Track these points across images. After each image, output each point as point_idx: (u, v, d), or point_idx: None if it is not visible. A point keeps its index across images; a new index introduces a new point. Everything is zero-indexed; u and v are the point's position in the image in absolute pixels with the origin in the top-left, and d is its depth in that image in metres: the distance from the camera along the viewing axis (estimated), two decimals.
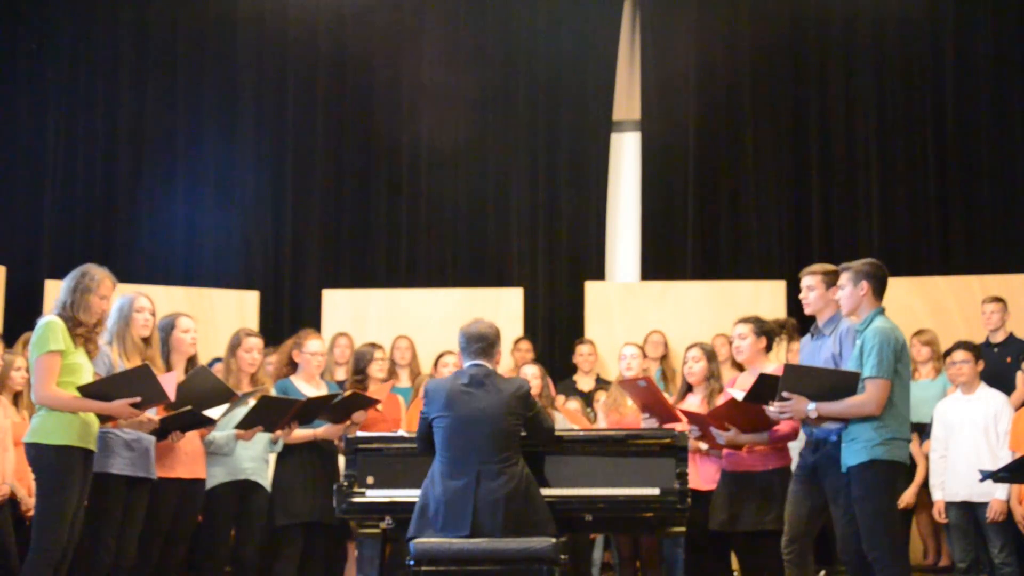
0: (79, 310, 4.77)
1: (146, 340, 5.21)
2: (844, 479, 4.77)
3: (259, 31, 9.84)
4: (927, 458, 6.51)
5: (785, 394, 4.78)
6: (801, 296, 5.20)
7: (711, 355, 5.83)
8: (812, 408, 4.73)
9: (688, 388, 5.84)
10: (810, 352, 5.14)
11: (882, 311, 4.86)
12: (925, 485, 6.54)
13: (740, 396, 5.10)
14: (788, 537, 5.02)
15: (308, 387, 5.92)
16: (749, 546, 5.40)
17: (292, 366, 6.04)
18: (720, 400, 5.48)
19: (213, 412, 5.21)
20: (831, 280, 5.07)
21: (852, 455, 4.71)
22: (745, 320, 5.52)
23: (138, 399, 4.70)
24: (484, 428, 4.63)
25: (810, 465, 4.97)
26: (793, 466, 5.38)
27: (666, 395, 5.84)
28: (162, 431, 5.10)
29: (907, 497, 6.54)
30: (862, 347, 4.75)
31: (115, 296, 5.12)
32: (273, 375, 6.04)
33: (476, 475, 4.57)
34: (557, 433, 5.00)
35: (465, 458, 4.61)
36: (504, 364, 7.82)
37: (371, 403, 5.82)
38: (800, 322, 6.12)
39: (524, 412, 4.74)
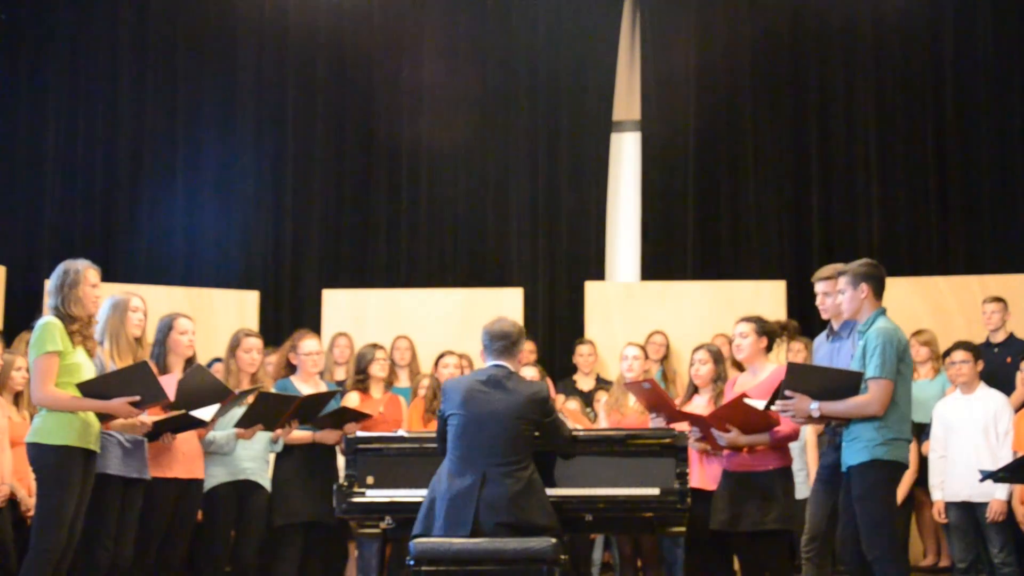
0: (72, 305, 4.76)
1: (138, 340, 5.21)
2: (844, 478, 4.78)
3: (259, 31, 9.83)
4: (919, 458, 6.52)
5: (788, 392, 4.78)
6: (817, 302, 5.23)
7: (718, 357, 5.83)
8: (815, 407, 4.73)
9: (695, 389, 5.85)
10: (827, 353, 5.15)
11: (883, 311, 4.86)
12: (925, 485, 6.54)
13: (756, 402, 5.08)
14: (809, 535, 5.05)
15: (306, 387, 5.92)
16: (750, 546, 5.40)
17: (290, 368, 6.06)
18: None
19: (204, 413, 5.18)
20: None
21: (853, 455, 4.72)
22: (747, 319, 5.52)
23: (138, 398, 4.70)
24: (494, 429, 4.60)
25: (833, 464, 4.98)
26: (794, 466, 5.42)
27: (669, 395, 5.85)
28: (154, 433, 5.10)
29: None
30: (865, 347, 4.76)
31: (106, 294, 5.11)
32: (272, 377, 6.04)
33: (482, 475, 4.54)
34: None
35: (472, 457, 4.59)
36: None
37: (362, 417, 5.81)
38: (801, 324, 6.13)
39: (540, 418, 4.70)
